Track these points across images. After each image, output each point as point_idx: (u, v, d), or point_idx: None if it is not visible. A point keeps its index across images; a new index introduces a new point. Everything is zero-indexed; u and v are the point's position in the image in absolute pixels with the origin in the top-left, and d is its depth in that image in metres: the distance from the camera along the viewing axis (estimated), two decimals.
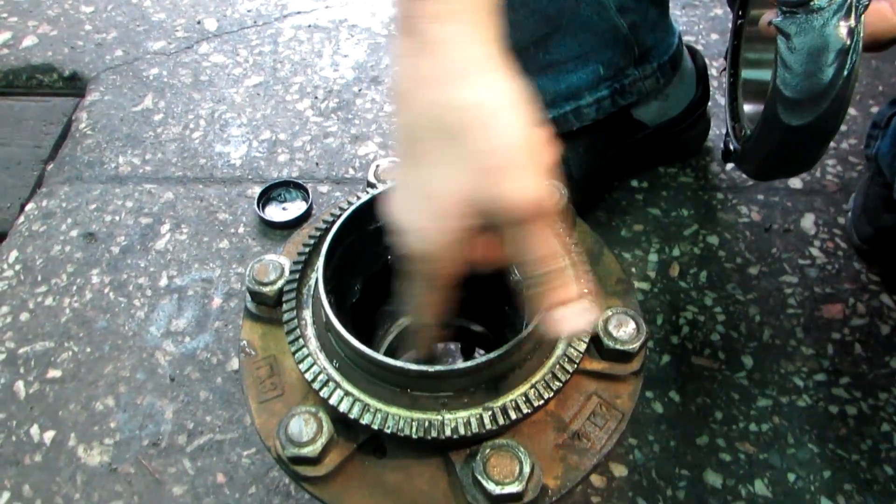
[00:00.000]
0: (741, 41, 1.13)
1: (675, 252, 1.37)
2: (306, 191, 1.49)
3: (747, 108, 1.08)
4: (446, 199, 0.62)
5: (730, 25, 1.16)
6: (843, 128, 1.55)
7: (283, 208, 1.48)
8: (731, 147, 1.06)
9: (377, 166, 0.98)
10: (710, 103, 1.48)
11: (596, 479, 1.10)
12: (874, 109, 1.57)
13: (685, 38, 1.39)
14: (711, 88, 1.51)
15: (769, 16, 0.85)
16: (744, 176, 1.48)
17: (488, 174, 0.61)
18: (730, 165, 1.50)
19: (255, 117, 1.67)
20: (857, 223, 1.35)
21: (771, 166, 0.98)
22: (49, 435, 1.18)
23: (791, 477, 1.10)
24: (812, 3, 0.77)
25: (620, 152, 1.38)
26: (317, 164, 1.57)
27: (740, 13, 1.12)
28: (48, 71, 1.82)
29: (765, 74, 1.05)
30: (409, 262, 0.67)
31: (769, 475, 1.10)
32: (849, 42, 0.75)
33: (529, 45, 1.20)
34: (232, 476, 1.12)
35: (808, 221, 1.41)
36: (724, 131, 1.55)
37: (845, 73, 0.76)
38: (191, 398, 1.21)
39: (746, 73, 1.12)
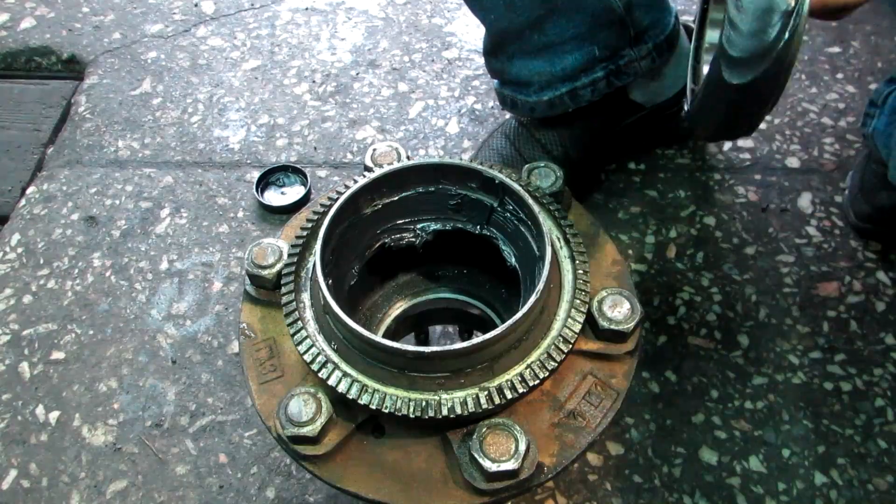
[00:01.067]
0: (710, 3, 1.13)
1: (672, 233, 1.38)
2: (305, 175, 1.49)
3: (705, 69, 1.08)
4: None
5: None
6: (840, 105, 1.55)
7: (282, 192, 1.48)
8: (685, 108, 1.07)
9: (374, 150, 0.98)
10: None
11: (592, 458, 1.12)
12: (873, 86, 1.57)
13: (682, 17, 1.38)
14: None
15: None
16: (741, 157, 1.49)
17: None
18: (727, 145, 1.51)
19: (254, 101, 1.67)
20: (854, 201, 1.36)
21: (716, 126, 0.98)
22: (54, 415, 1.20)
23: (785, 453, 1.11)
24: None
25: (616, 134, 1.38)
26: (315, 148, 1.57)
27: None
28: (46, 54, 1.82)
29: None
30: None
31: (764, 451, 1.12)
32: (793, 4, 0.75)
33: (525, 27, 1.20)
34: (234, 456, 1.14)
35: (804, 200, 1.41)
36: None
37: (787, 34, 0.77)
38: (192, 380, 1.23)
39: (711, 35, 1.12)
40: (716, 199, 1.42)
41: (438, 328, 1.27)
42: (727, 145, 1.50)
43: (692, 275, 1.32)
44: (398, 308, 1.04)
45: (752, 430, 1.14)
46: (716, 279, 1.31)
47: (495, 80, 1.36)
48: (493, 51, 1.30)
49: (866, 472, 1.09)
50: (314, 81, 1.71)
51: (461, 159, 0.88)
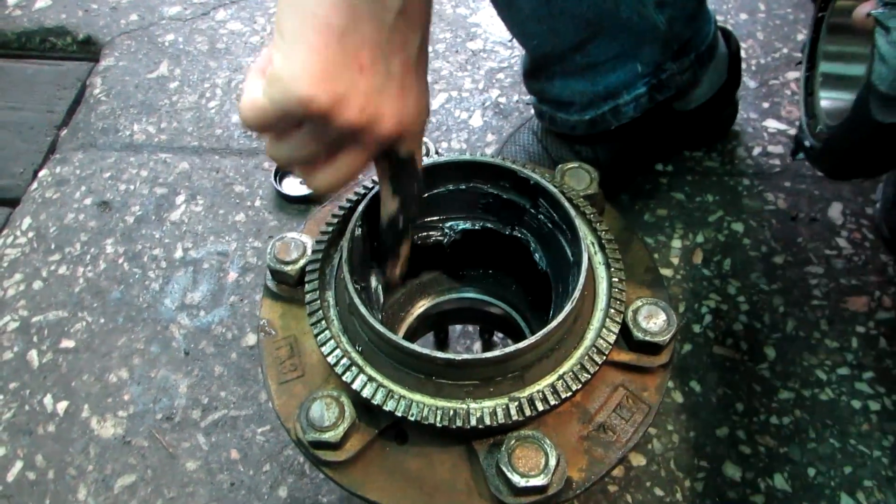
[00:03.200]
0: (820, 34, 1.09)
1: (699, 238, 1.34)
2: None
3: (825, 103, 1.04)
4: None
5: (761, 6, 1.12)
6: None
7: (300, 182, 1.45)
8: (807, 143, 1.02)
9: None
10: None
11: (613, 469, 1.09)
12: None
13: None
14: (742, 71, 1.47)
15: (867, 7, 0.81)
16: (770, 162, 1.45)
17: None
18: (757, 150, 1.47)
19: None
20: (886, 214, 1.32)
21: (850, 164, 0.94)
22: (62, 405, 1.18)
23: (811, 472, 1.08)
24: None
25: (649, 139, 1.34)
26: None
27: (822, 4, 1.08)
28: (62, 34, 1.79)
29: (846, 68, 1.01)
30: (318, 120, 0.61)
31: (789, 469, 1.09)
32: None
33: (568, 50, 1.15)
34: (246, 453, 1.12)
35: (835, 211, 1.38)
36: (751, 115, 1.52)
37: None
38: (205, 373, 1.20)
39: (825, 67, 1.08)
40: (744, 204, 1.39)
41: (458, 328, 1.24)
42: (757, 150, 1.47)
43: (719, 282, 1.28)
44: (421, 307, 1.01)
45: (778, 447, 1.11)
46: (743, 288, 1.27)
47: (533, 97, 1.32)
48: (534, 73, 1.25)
49: (894, 495, 1.06)
50: None
51: (492, 157, 0.84)
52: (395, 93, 0.63)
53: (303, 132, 0.63)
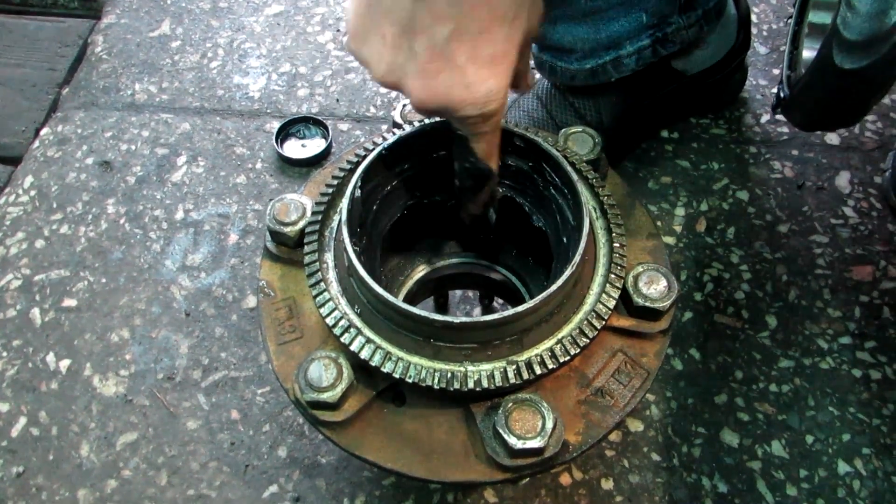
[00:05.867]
0: None
1: (703, 206, 1.33)
2: (326, 128, 1.45)
3: (806, 54, 1.03)
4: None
5: None
6: None
7: (303, 145, 1.44)
8: (782, 94, 1.01)
9: (403, 106, 0.94)
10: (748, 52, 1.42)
11: (611, 434, 1.09)
12: None
13: None
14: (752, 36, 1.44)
15: None
16: (779, 129, 1.43)
17: None
18: (765, 117, 1.45)
19: (275, 48, 1.62)
20: (895, 183, 1.30)
21: (818, 114, 0.93)
22: (65, 363, 1.18)
23: (809, 439, 1.09)
24: None
25: (654, 102, 1.32)
26: (337, 100, 1.52)
27: None
28: None
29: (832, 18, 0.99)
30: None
31: (787, 436, 1.09)
32: None
33: None
34: (246, 413, 1.12)
35: (842, 179, 1.36)
36: (760, 82, 1.50)
37: None
38: (206, 334, 1.20)
39: (814, 16, 1.06)
40: (750, 173, 1.37)
41: (458, 292, 1.24)
42: (765, 117, 1.45)
43: (722, 250, 1.28)
44: (420, 271, 1.01)
45: (776, 414, 1.11)
46: (746, 256, 1.27)
47: (534, 45, 1.29)
48: None
49: (892, 463, 1.06)
50: (338, 30, 1.65)
51: None
52: (417, 72, 0.64)
53: None
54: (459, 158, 0.78)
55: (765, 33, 1.58)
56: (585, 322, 0.75)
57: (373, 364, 0.72)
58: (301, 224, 0.84)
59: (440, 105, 0.66)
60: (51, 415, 1.13)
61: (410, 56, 0.64)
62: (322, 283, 0.77)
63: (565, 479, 1.06)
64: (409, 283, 1.01)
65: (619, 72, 1.21)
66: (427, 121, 0.83)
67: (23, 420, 1.13)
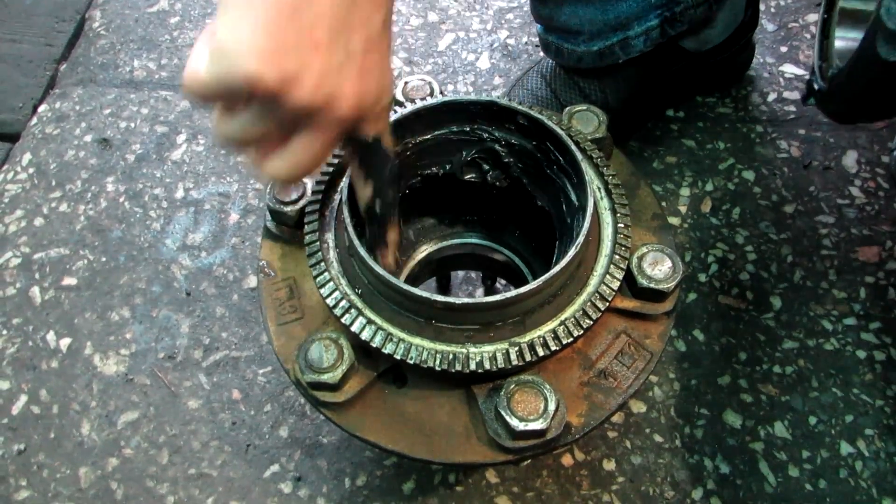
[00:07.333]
0: None
1: (709, 186, 1.32)
2: None
3: (839, 44, 1.00)
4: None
5: None
6: None
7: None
8: (816, 86, 0.98)
9: (405, 83, 0.92)
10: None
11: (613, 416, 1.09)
12: None
13: None
14: (760, 13, 1.41)
15: None
16: (785, 108, 1.41)
17: None
18: (772, 96, 1.43)
19: None
20: None
21: (859, 107, 0.91)
22: (65, 342, 1.18)
23: (812, 420, 1.08)
24: None
25: (661, 82, 1.30)
26: None
27: None
28: None
29: (864, 3, 0.96)
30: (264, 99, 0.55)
31: (790, 417, 1.08)
32: None
33: None
34: (247, 393, 1.12)
35: (849, 159, 1.34)
36: (768, 60, 1.48)
37: None
38: (207, 313, 1.20)
39: (844, 3, 1.03)
40: (756, 152, 1.35)
41: (460, 273, 1.23)
42: (772, 96, 1.43)
43: (727, 231, 1.26)
44: (423, 252, 1.00)
45: (779, 395, 1.10)
46: (751, 237, 1.25)
47: (539, 26, 1.27)
48: None
49: (895, 444, 1.06)
50: None
51: (497, 98, 0.82)
52: (355, 72, 0.57)
53: (251, 110, 0.57)
54: (369, 177, 0.72)
55: (773, 10, 1.55)
56: (589, 303, 0.74)
57: (374, 345, 0.72)
58: (301, 203, 0.83)
59: (373, 100, 0.61)
60: (51, 393, 1.13)
61: (347, 56, 0.57)
62: (323, 264, 0.76)
63: (567, 460, 1.06)
64: (411, 264, 1.00)
65: (626, 53, 1.19)
66: (429, 101, 0.81)
67: (23, 398, 1.13)
